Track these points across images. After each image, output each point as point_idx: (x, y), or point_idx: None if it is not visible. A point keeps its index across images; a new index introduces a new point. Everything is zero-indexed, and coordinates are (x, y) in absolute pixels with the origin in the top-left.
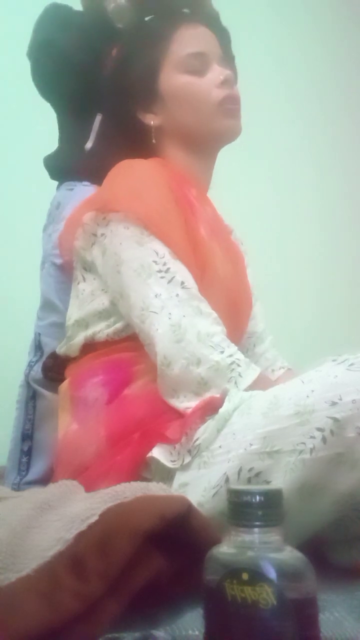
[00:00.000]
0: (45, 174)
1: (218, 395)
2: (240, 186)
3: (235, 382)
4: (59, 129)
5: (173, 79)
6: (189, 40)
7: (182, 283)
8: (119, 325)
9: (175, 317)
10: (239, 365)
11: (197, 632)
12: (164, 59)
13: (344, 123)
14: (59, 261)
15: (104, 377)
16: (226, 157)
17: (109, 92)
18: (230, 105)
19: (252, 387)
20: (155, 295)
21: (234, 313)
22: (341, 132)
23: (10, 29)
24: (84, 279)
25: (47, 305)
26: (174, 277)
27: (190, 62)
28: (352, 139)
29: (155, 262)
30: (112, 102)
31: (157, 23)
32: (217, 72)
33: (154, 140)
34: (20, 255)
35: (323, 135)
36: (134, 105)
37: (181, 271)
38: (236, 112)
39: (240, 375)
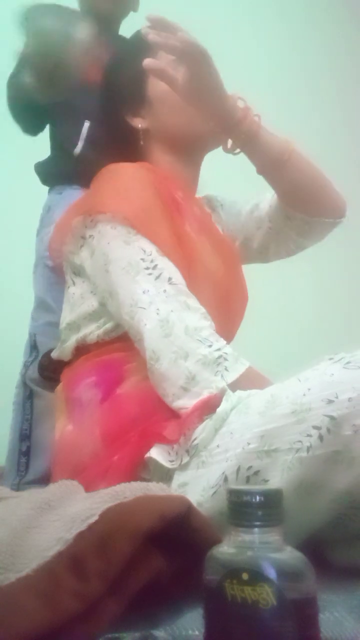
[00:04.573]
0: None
1: (215, 394)
2: (237, 188)
3: (222, 376)
4: (50, 135)
5: (160, 83)
6: None
7: (170, 279)
8: (108, 325)
9: (163, 312)
10: (226, 359)
11: (197, 632)
12: None
13: (343, 123)
14: (50, 263)
15: (96, 378)
16: (226, 159)
17: (98, 96)
18: None
19: (241, 380)
20: (143, 292)
21: (225, 307)
22: (340, 133)
23: (7, 29)
24: (74, 283)
25: (41, 306)
26: (161, 273)
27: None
28: (351, 141)
29: (142, 259)
30: (101, 106)
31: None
32: None
33: (142, 142)
34: (15, 257)
35: (321, 137)
36: (123, 109)
37: (168, 267)
38: None
39: (226, 369)
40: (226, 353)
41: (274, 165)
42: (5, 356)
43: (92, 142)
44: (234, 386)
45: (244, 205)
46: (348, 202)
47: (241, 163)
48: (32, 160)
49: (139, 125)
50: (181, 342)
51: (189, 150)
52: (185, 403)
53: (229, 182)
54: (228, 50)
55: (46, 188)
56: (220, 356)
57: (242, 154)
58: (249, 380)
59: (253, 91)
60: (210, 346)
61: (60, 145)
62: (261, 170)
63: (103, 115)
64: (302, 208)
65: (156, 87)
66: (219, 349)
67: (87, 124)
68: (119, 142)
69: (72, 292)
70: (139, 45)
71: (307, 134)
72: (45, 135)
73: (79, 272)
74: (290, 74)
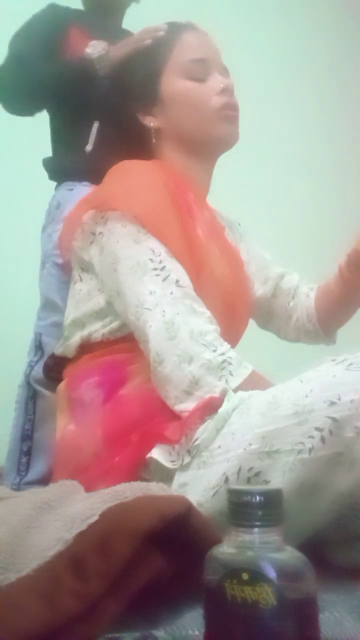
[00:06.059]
0: (46, 174)
1: (217, 395)
2: (236, 184)
3: (226, 381)
4: (54, 132)
5: (174, 83)
6: (191, 46)
7: (177, 281)
8: (114, 324)
9: (169, 314)
10: (230, 364)
11: (197, 632)
12: (166, 64)
13: (343, 120)
14: (60, 261)
15: (99, 378)
16: (228, 165)
17: (110, 93)
18: (228, 112)
19: (244, 385)
20: (150, 293)
21: (230, 313)
22: (338, 126)
23: (9, 28)
24: (81, 279)
25: (48, 305)
26: (168, 275)
27: (191, 68)
28: (349, 134)
29: (151, 260)
30: (113, 103)
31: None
32: (217, 80)
33: (154, 140)
34: (19, 255)
35: (320, 129)
36: (135, 107)
37: (176, 269)
38: (234, 119)
39: (231, 373)
40: (230, 357)
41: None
42: (8, 356)
43: (103, 140)
44: (237, 390)
45: (271, 262)
46: (349, 195)
47: (242, 169)
48: (33, 158)
49: (151, 124)
50: (185, 345)
51: (200, 152)
52: (188, 406)
53: (233, 189)
54: (229, 44)
55: (49, 186)
56: (224, 361)
57: None
58: (252, 383)
59: (254, 83)
60: (214, 351)
61: (69, 141)
62: (340, 304)
63: (114, 113)
64: (326, 327)
65: (169, 86)
66: (223, 354)
67: (96, 125)
68: (130, 140)
69: (79, 288)
70: (150, 45)
71: (307, 127)
72: (44, 132)
73: (87, 268)
74: (291, 67)
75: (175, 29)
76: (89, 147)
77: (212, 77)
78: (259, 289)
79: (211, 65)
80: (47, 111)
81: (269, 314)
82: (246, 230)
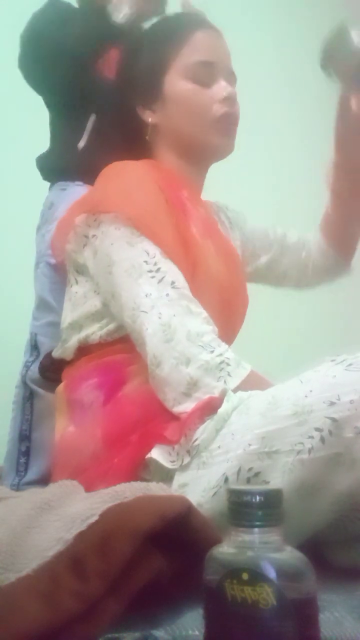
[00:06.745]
0: None
1: (216, 396)
2: (237, 178)
3: (225, 381)
4: (51, 127)
5: (178, 83)
6: (201, 47)
7: (173, 283)
8: (111, 326)
9: (165, 316)
10: (228, 365)
11: (197, 632)
12: (173, 61)
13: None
14: (53, 261)
15: (98, 380)
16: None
17: (110, 86)
18: (227, 123)
19: (243, 385)
20: (146, 295)
21: (227, 312)
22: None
23: (7, 28)
24: (77, 282)
25: (42, 305)
26: (164, 277)
27: (197, 70)
28: None
29: (145, 262)
30: (113, 94)
31: (175, 22)
32: (221, 87)
33: (147, 137)
34: (15, 255)
35: (320, 122)
36: (135, 99)
37: (171, 271)
38: (232, 131)
39: (229, 374)
40: (228, 358)
41: None
42: (5, 356)
43: (97, 135)
44: (236, 390)
45: (268, 227)
46: None
47: (243, 170)
48: (30, 155)
49: (149, 119)
50: (183, 347)
51: (196, 155)
52: (187, 408)
53: (230, 188)
54: (230, 36)
55: (45, 183)
56: (222, 361)
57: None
58: (251, 384)
59: (254, 77)
60: (212, 352)
61: (63, 138)
62: (343, 222)
63: (113, 105)
64: (341, 254)
65: (172, 85)
66: (220, 355)
67: (93, 117)
68: (126, 135)
69: (75, 290)
70: (160, 37)
71: (308, 120)
72: (39, 132)
73: (82, 271)
74: (291, 60)
75: (189, 25)
76: (81, 143)
77: (217, 83)
78: (265, 257)
79: (218, 70)
80: (43, 97)
81: (284, 273)
82: (236, 213)
